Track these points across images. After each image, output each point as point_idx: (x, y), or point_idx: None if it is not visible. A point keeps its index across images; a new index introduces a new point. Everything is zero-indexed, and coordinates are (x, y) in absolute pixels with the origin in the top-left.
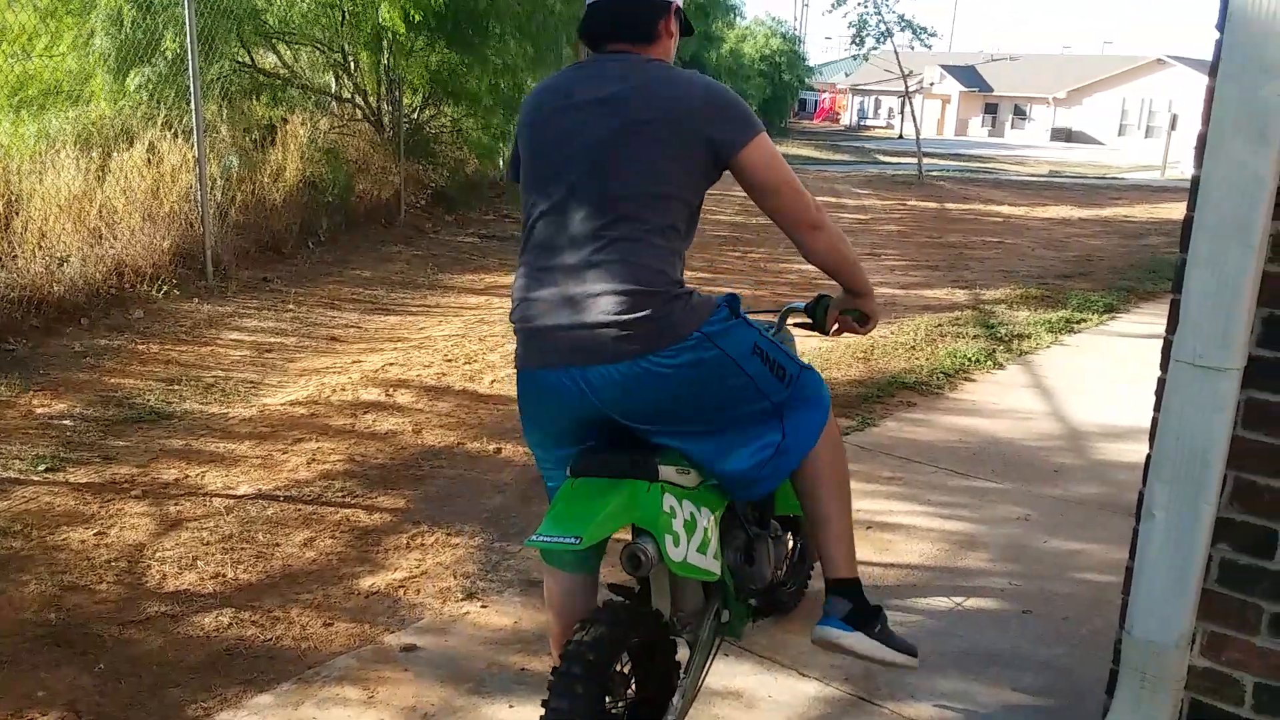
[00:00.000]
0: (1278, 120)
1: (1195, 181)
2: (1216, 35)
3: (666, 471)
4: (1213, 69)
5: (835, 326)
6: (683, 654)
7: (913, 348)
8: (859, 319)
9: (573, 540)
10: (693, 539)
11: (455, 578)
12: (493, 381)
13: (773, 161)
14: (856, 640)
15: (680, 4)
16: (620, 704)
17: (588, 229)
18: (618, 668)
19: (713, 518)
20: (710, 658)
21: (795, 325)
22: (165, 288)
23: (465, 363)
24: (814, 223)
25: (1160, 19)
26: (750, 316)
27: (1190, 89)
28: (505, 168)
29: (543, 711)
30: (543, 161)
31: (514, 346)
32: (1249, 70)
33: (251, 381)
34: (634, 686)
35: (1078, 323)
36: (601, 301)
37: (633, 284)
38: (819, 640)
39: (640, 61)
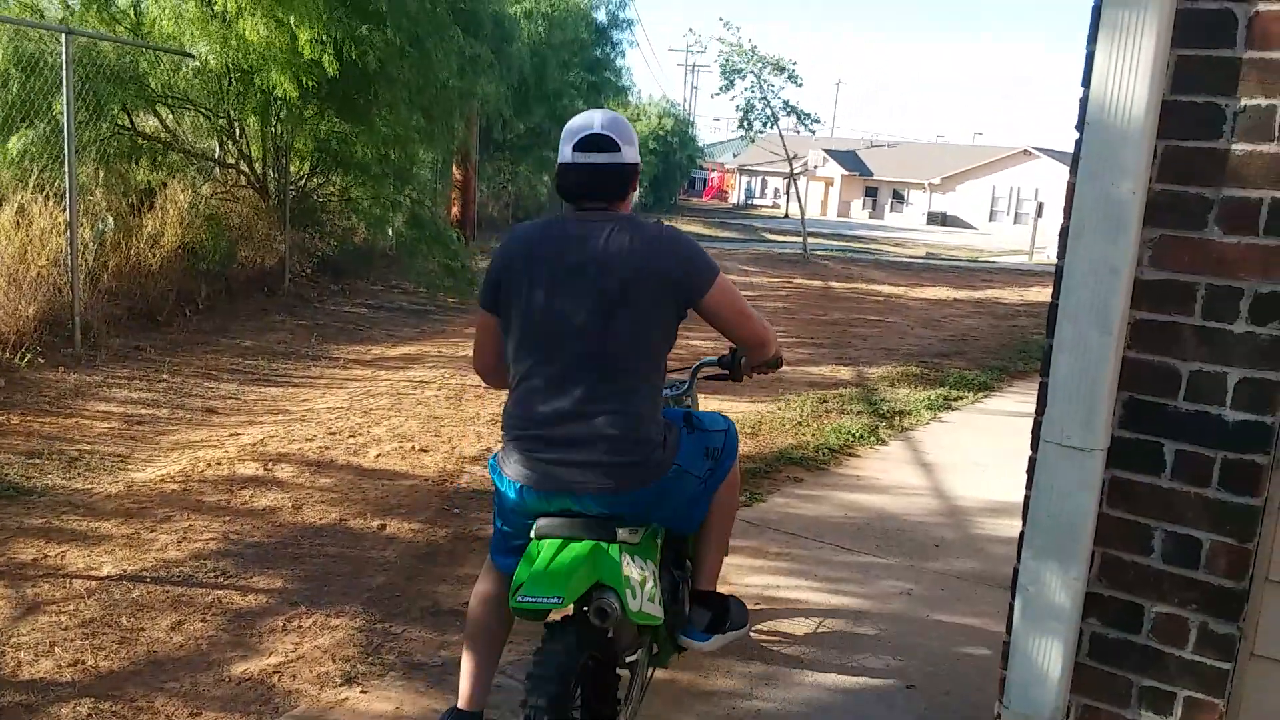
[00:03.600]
0: (1132, 215)
1: (1058, 271)
2: (1076, 135)
3: (621, 533)
4: (1073, 166)
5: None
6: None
7: (799, 423)
8: (773, 365)
9: (556, 600)
10: (644, 590)
11: (334, 661)
12: (378, 455)
13: (730, 298)
14: (712, 643)
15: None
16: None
17: (589, 381)
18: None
19: (655, 569)
20: (646, 686)
21: (709, 378)
22: (29, 355)
23: (349, 436)
24: (762, 343)
25: (1026, 113)
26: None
27: (1055, 178)
28: (479, 294)
29: (524, 713)
30: (537, 315)
31: (399, 419)
32: (1105, 169)
33: (119, 455)
34: (580, 706)
35: (955, 400)
36: (603, 445)
37: (629, 431)
38: (684, 645)
39: (616, 223)
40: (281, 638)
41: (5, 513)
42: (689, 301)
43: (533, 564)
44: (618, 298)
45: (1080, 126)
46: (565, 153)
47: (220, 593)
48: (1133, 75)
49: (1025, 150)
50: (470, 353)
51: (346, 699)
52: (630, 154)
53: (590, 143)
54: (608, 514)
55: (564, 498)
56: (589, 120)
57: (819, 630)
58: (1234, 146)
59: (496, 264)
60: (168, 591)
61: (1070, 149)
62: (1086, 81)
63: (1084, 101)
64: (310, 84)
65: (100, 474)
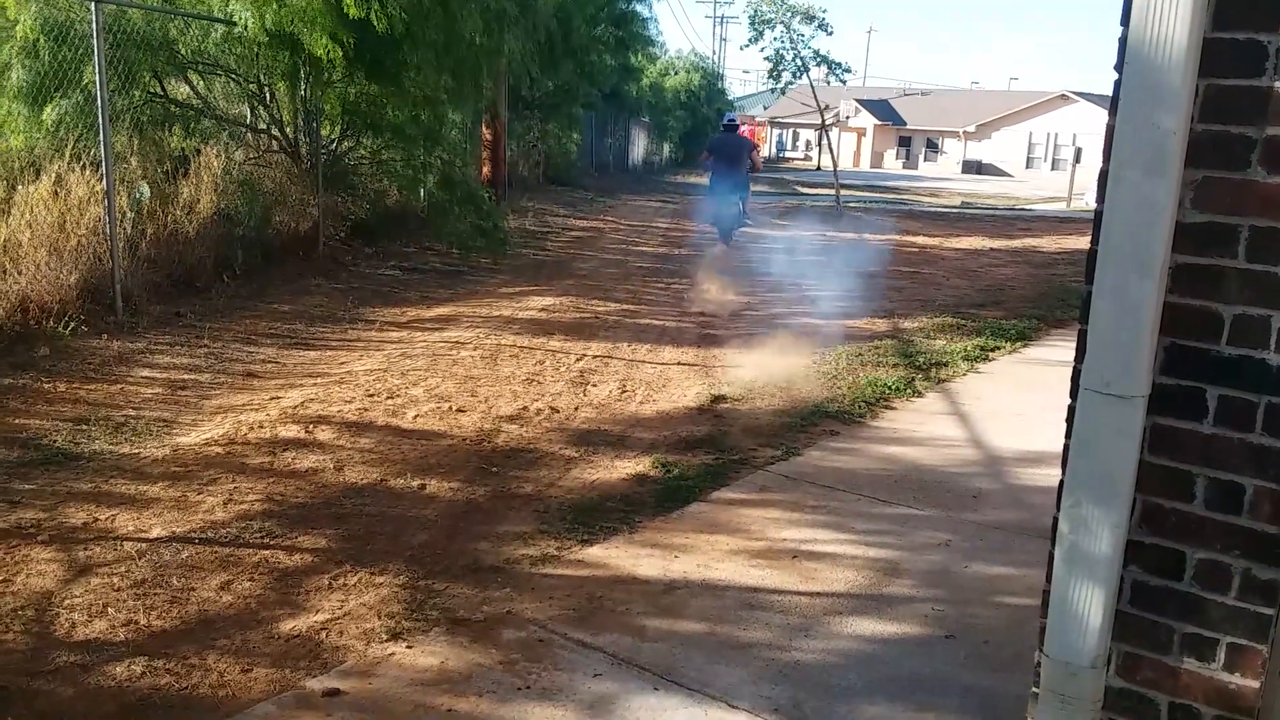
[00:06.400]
0: (1174, 156)
1: (1098, 215)
2: (1116, 75)
3: (743, 197)
4: (1112, 107)
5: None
6: None
7: (835, 377)
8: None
9: (738, 198)
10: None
11: (379, 618)
12: (416, 416)
13: (758, 155)
14: (746, 225)
15: (742, 127)
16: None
17: (737, 173)
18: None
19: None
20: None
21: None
22: (72, 324)
23: (387, 398)
24: (758, 168)
25: (1063, 56)
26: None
27: (1093, 123)
28: (707, 146)
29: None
30: (724, 154)
31: (436, 379)
32: (1146, 109)
33: (164, 420)
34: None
35: (992, 350)
36: (740, 188)
37: (744, 182)
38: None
39: (738, 136)
40: (327, 595)
41: (55, 478)
42: (751, 152)
43: (722, 209)
44: (741, 153)
45: (1120, 66)
46: (722, 125)
47: (267, 552)
48: (1173, 12)
49: (1062, 94)
50: None
51: (393, 654)
52: (739, 121)
53: (730, 122)
54: (737, 195)
55: (726, 195)
56: (729, 115)
57: (857, 582)
58: (1277, 84)
59: (710, 145)
60: (215, 552)
61: (1109, 92)
62: (1125, 20)
63: (1123, 40)
64: (351, 40)
65: (146, 438)
